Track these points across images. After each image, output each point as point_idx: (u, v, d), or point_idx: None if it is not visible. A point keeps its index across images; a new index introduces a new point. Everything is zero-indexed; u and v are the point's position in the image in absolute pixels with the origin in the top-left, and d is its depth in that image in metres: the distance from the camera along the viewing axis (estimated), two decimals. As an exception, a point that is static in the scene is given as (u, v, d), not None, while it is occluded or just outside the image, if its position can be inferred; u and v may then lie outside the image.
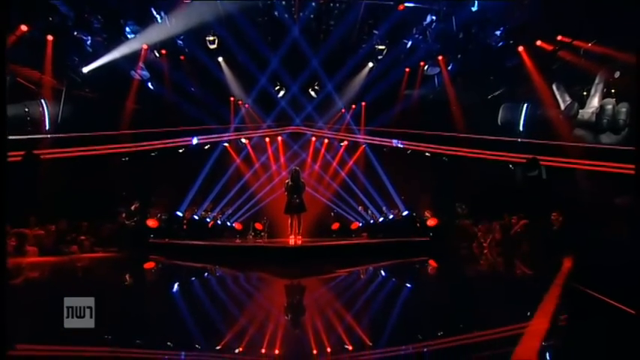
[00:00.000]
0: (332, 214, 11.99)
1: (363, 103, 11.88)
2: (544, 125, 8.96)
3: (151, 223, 9.13)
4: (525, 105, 9.55)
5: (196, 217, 10.59)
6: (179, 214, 10.14)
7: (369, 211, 11.68)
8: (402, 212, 9.19)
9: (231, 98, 11.66)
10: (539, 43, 8.66)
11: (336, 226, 11.77)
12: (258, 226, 11.67)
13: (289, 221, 8.28)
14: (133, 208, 9.55)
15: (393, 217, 9.69)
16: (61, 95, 8.97)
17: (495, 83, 10.26)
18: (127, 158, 10.07)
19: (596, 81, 8.21)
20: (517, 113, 9.71)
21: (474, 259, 6.43)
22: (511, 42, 9.01)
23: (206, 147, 11.47)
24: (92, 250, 7.57)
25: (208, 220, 10.83)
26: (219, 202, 11.42)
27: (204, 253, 6.80)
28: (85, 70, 9.29)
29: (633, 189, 5.12)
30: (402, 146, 11.44)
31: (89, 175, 8.88)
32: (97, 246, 7.83)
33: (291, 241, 7.87)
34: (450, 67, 10.59)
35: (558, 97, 9.05)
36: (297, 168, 8.50)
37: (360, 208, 11.84)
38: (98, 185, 8.98)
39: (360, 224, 11.61)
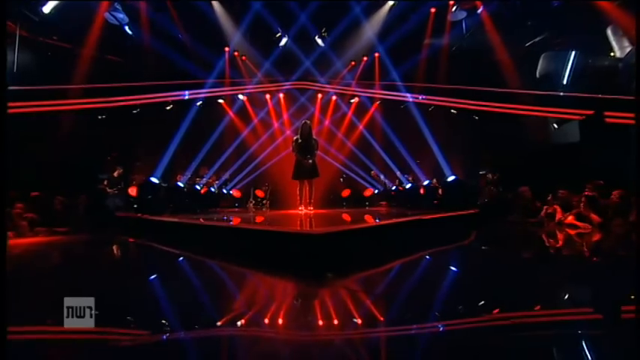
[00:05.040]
0: (341, 179, 10.81)
1: (377, 54, 10.36)
2: (596, 77, 7.62)
3: (134, 191, 7.75)
4: (572, 53, 8.12)
5: (181, 184, 8.95)
6: (154, 180, 7.87)
7: (381, 178, 10.53)
8: (447, 178, 7.57)
9: (226, 48, 10.06)
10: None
11: (346, 193, 10.63)
12: (259, 193, 10.53)
13: (298, 188, 6.98)
14: (115, 174, 8.28)
15: (429, 184, 8.33)
16: (15, 40, 7.29)
17: (535, 28, 8.72)
18: (103, 116, 8.58)
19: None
20: (561, 64, 8.30)
21: (574, 247, 4.15)
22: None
23: (198, 103, 10.01)
24: (33, 232, 5.48)
25: (198, 187, 9.48)
26: (212, 166, 10.11)
27: (188, 235, 4.61)
28: (46, 9, 7.64)
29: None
30: (421, 99, 9.98)
31: (56, 137, 7.47)
32: (43, 225, 5.79)
33: (302, 212, 6.72)
34: (480, 10, 9.05)
35: (614, 42, 7.69)
36: (308, 121, 6.78)
37: (372, 172, 10.66)
38: (69, 150, 7.52)
39: (376, 191, 10.46)
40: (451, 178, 6.95)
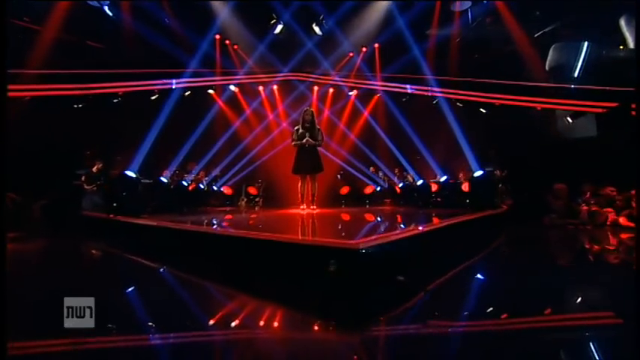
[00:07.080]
0: (339, 176, 10.24)
1: (377, 45, 9.84)
2: (610, 68, 7.28)
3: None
4: (586, 44, 7.76)
5: (164, 180, 8.15)
6: (130, 174, 6.67)
7: (381, 174, 10.04)
8: (474, 173, 6.93)
9: (217, 36, 9.37)
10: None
11: (345, 190, 10.07)
12: (252, 190, 9.88)
13: (299, 184, 6.31)
14: (94, 169, 7.48)
15: (445, 180, 7.75)
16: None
17: (544, 17, 8.33)
18: (80, 105, 7.74)
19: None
20: (573, 55, 7.93)
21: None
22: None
23: (186, 93, 9.28)
24: None
25: (185, 183, 8.71)
26: (201, 160, 9.35)
27: (164, 241, 3.64)
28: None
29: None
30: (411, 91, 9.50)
31: (28, 127, 6.62)
32: None
33: (304, 211, 6.12)
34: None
35: (627, 33, 7.39)
36: (311, 108, 6.17)
37: (371, 168, 10.15)
38: (40, 142, 6.70)
39: (378, 188, 9.92)
40: (478, 173, 6.36)
